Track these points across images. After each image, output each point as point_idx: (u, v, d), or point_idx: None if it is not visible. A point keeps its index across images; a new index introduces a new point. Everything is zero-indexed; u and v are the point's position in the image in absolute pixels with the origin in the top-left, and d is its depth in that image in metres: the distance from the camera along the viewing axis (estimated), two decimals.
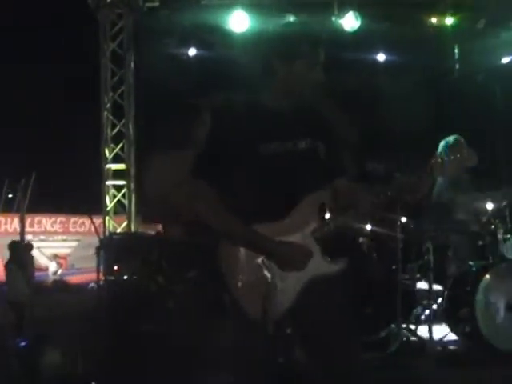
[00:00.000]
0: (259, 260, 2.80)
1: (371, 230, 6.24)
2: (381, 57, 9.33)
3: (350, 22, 8.36)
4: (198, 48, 9.28)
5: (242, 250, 2.84)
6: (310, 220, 2.88)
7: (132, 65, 9.39)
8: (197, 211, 2.92)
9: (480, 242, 6.26)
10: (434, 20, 8.84)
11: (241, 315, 2.79)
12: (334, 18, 8.41)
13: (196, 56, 9.31)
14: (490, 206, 6.28)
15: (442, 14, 8.73)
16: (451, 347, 5.81)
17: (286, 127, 2.91)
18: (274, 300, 2.76)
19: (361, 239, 6.33)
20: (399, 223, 5.89)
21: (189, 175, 2.89)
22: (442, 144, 6.37)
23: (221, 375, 2.88)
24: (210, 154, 2.92)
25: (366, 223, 6.19)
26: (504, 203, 6.19)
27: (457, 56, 9.09)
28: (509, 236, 6.14)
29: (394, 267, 5.92)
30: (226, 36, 8.51)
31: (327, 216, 2.93)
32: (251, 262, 2.81)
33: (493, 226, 6.16)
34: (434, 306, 5.96)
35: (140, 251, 6.91)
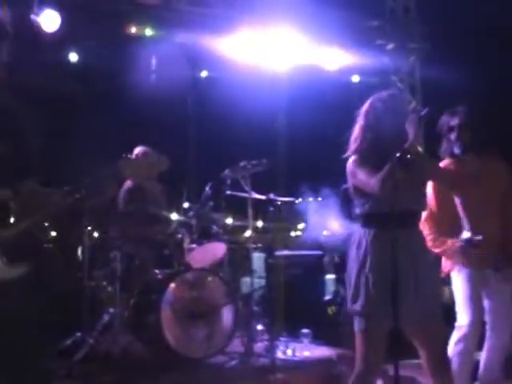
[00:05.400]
0: None
1: (57, 236, 6.11)
2: (73, 57, 9.01)
3: (48, 21, 7.94)
4: None
5: None
6: None
7: None
8: None
9: (166, 251, 6.42)
10: (133, 30, 8.90)
11: None
12: (32, 16, 8.00)
13: None
14: (175, 216, 6.46)
15: (142, 24, 8.81)
16: (138, 355, 5.84)
17: None
18: None
19: (47, 245, 6.17)
20: (86, 230, 5.84)
21: None
22: None
23: None
24: None
25: (56, 229, 6.05)
26: (191, 214, 6.41)
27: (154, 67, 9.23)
28: (194, 245, 6.36)
29: (80, 274, 5.84)
30: None
31: (8, 218, 2.80)
32: None
33: (179, 236, 6.36)
34: (121, 314, 5.97)
35: None
